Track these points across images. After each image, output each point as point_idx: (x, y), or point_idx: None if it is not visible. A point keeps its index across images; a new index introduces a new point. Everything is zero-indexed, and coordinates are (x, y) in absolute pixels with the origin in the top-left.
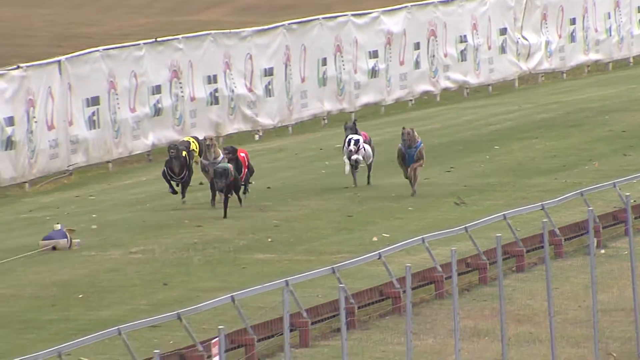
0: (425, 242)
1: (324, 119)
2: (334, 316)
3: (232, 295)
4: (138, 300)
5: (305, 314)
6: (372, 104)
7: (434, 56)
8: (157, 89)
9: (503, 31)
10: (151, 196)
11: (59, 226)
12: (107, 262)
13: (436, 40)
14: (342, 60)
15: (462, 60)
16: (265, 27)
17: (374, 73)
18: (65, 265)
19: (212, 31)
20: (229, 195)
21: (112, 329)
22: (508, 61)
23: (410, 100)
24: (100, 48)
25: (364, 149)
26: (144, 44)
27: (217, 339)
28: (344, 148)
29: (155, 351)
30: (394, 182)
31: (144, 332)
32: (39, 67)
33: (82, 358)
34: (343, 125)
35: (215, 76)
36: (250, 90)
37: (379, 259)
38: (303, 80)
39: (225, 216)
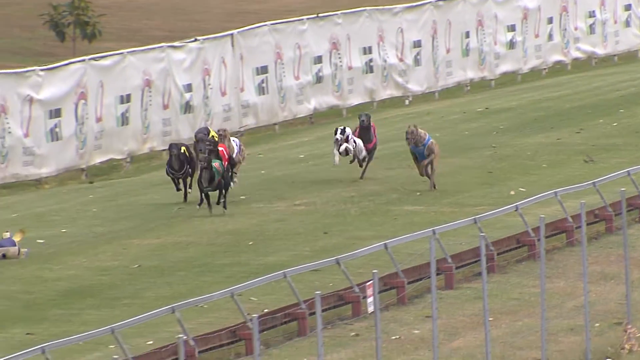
0: (558, 196)
1: (466, 86)
2: (475, 261)
3: (385, 243)
4: (301, 247)
5: (449, 260)
6: (510, 72)
7: (565, 29)
8: (318, 59)
9: (628, 7)
10: (313, 155)
11: (7, 234)
12: (274, 214)
13: (567, 16)
14: (483, 34)
15: (590, 33)
16: (415, 4)
17: (511, 45)
18: (237, 216)
19: (368, 7)
20: (212, 192)
21: (278, 272)
22: (632, 34)
23: (544, 69)
24: (268, 23)
25: (354, 142)
26: (307, 19)
27: (371, 281)
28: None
29: (317, 292)
30: (529, 141)
31: (306, 275)
32: (213, 40)
33: (252, 298)
34: (358, 116)
35: (370, 47)
36: (400, 60)
37: (515, 210)
38: (448, 51)
39: (225, 207)
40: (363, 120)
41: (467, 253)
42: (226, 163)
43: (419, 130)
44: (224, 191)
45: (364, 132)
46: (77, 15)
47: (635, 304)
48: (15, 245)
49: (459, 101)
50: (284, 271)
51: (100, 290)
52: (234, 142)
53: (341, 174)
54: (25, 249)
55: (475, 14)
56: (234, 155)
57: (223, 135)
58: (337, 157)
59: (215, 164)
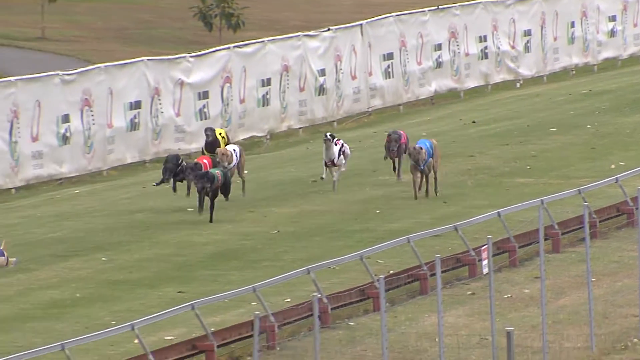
0: None
1: (572, 70)
2: (579, 228)
3: (498, 212)
4: (423, 215)
5: (556, 226)
6: (611, 58)
7: None
8: (438, 47)
9: None
10: (433, 132)
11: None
12: (399, 185)
13: None
14: (587, 23)
15: None
16: None
17: (612, 33)
18: (366, 187)
19: (483, 0)
20: (214, 199)
21: (402, 237)
22: None
23: None
24: (394, 14)
25: (343, 152)
26: (428, 10)
27: (486, 246)
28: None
29: (437, 256)
30: (628, 120)
31: (427, 240)
32: (344, 30)
33: (379, 261)
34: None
35: (485, 36)
36: (512, 47)
37: (616, 182)
38: (555, 39)
39: (211, 220)
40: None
41: (572, 220)
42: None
43: (422, 152)
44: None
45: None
46: (223, 8)
47: None
48: (3, 255)
49: (565, 84)
50: (407, 236)
51: (243, 253)
52: (234, 151)
53: (459, 149)
54: (14, 258)
55: (580, 5)
56: (232, 166)
57: (224, 153)
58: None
59: (217, 172)
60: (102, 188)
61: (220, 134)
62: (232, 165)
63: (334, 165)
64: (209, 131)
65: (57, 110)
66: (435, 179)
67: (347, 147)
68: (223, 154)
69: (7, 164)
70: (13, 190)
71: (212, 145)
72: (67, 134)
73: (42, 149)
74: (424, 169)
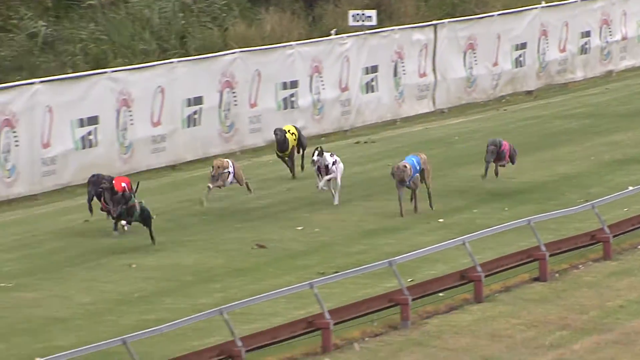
0: None
1: None
2: None
3: None
4: None
5: None
6: None
7: None
8: (586, 34)
9: None
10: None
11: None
12: None
13: None
14: None
15: None
16: None
17: None
18: None
19: None
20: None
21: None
22: None
23: None
24: (538, 6)
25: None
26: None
27: None
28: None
29: None
30: None
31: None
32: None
33: None
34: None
35: None
36: None
37: None
38: None
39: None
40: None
41: None
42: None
43: (407, 169)
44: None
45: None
46: None
47: None
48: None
49: None
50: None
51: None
52: (230, 165)
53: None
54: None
55: None
56: (228, 181)
57: (220, 166)
58: (321, 182)
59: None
60: None
61: (289, 131)
62: (229, 180)
63: (327, 173)
64: (278, 130)
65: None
66: (429, 193)
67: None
68: (219, 167)
69: None
70: None
71: (282, 144)
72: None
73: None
74: (410, 185)
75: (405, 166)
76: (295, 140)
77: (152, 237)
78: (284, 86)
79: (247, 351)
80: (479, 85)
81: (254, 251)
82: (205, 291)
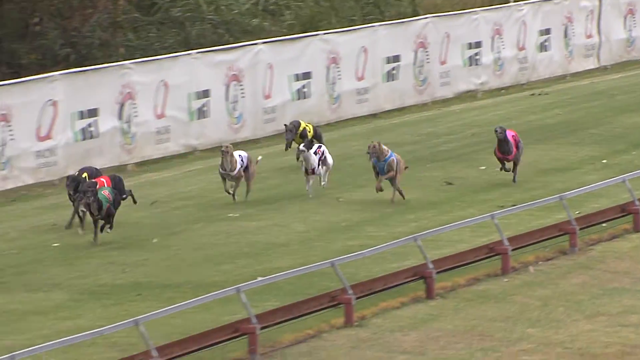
0: None
1: None
2: None
3: None
4: None
5: None
6: None
7: None
8: None
9: None
10: None
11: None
12: None
13: None
14: None
15: None
16: None
17: None
18: None
19: None
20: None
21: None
22: None
23: None
24: None
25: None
26: None
27: None
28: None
29: None
30: None
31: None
32: None
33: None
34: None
35: None
36: None
37: None
38: None
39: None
40: (498, 132)
41: None
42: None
43: (382, 146)
44: (110, 218)
45: (502, 145)
46: None
47: None
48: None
49: None
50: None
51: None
52: (239, 156)
53: None
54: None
55: None
56: (235, 173)
57: (226, 151)
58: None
59: (105, 192)
60: None
61: (305, 127)
62: (235, 172)
63: (314, 174)
64: (290, 125)
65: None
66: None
67: (329, 155)
68: (224, 151)
69: None
70: None
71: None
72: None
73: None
74: (385, 167)
75: (378, 143)
76: (311, 134)
77: (101, 229)
78: (469, 46)
79: (438, 272)
80: (637, 45)
81: (443, 187)
82: (401, 221)
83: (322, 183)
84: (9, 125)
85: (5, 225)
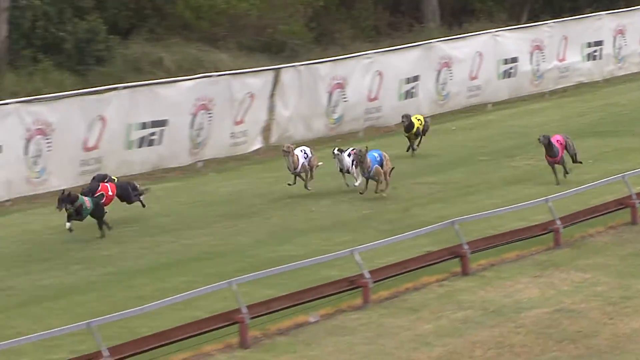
0: None
1: None
2: None
3: None
4: None
5: None
6: None
7: None
8: None
9: None
10: None
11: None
12: None
13: None
14: None
15: None
16: None
17: None
18: None
19: None
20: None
21: None
22: None
23: None
24: None
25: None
26: None
27: None
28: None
29: None
30: None
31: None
32: None
33: None
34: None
35: None
36: None
37: None
38: None
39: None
40: (541, 140)
41: None
42: (108, 199)
43: (367, 159)
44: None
45: (548, 149)
46: None
47: None
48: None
49: None
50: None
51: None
52: (303, 152)
53: None
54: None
55: None
56: (298, 168)
57: (287, 151)
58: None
59: (86, 200)
60: None
61: (418, 119)
62: (298, 168)
63: (348, 172)
64: (404, 117)
65: None
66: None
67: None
68: (285, 151)
69: None
70: None
71: (409, 128)
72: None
73: None
74: (372, 176)
75: (360, 150)
76: (420, 124)
77: (100, 228)
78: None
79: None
80: None
81: None
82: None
83: (355, 183)
84: None
85: None
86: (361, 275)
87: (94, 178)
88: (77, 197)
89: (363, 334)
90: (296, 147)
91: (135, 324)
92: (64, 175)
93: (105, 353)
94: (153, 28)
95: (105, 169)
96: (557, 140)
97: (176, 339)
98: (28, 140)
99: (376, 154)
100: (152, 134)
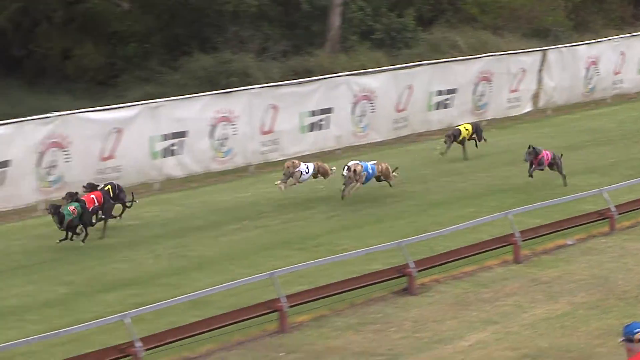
0: None
1: None
2: None
3: None
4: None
5: None
6: None
7: None
8: None
9: None
10: None
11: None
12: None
13: None
14: None
15: None
16: None
17: None
18: None
19: None
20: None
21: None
22: None
23: None
24: None
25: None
26: None
27: None
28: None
29: None
30: None
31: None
32: None
33: None
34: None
35: None
36: None
37: None
38: None
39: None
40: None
41: None
42: (92, 206)
43: (361, 175)
44: (74, 229)
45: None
46: None
47: None
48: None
49: None
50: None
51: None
52: (305, 166)
53: None
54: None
55: None
56: (301, 178)
57: (292, 166)
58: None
59: (70, 207)
60: None
61: (465, 128)
62: (301, 179)
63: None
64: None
65: None
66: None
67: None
68: (287, 167)
69: None
70: None
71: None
72: None
73: None
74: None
75: (357, 163)
76: (468, 133)
77: (86, 234)
78: None
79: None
80: None
81: None
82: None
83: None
84: None
85: None
86: (608, 209)
87: (83, 186)
88: (58, 207)
89: (609, 254)
90: (300, 163)
91: (434, 243)
92: (381, 131)
93: (411, 265)
94: (449, 19)
95: (410, 126)
96: (545, 154)
97: (464, 255)
98: (354, 104)
99: (369, 165)
100: (446, 99)
